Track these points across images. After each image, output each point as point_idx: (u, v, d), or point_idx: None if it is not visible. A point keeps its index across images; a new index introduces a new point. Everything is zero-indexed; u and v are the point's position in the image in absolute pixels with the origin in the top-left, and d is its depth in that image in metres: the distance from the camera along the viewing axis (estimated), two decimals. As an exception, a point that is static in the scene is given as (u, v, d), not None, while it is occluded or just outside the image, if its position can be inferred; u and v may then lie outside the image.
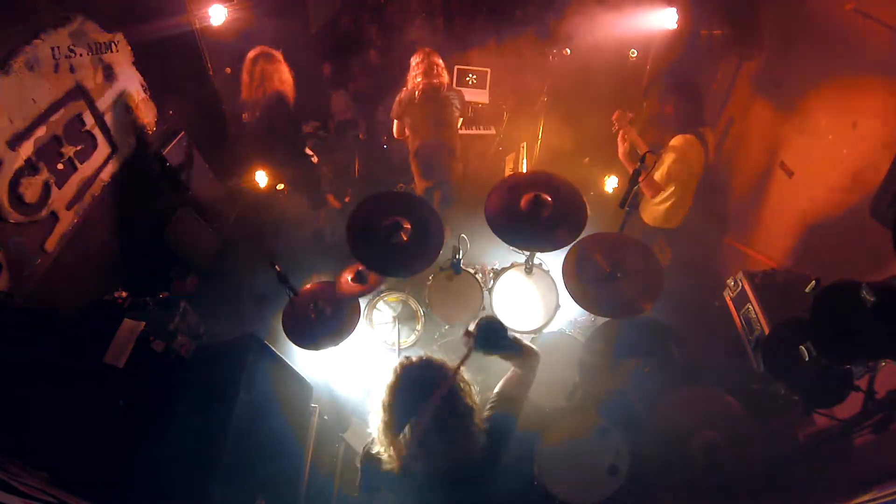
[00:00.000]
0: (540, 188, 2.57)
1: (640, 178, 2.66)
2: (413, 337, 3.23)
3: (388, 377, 1.61)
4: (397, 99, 3.83)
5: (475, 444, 1.59)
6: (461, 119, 3.98)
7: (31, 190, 2.60)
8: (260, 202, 4.56)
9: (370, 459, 1.67)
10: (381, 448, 1.62)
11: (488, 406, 1.76)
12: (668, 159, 3.16)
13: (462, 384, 1.61)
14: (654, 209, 3.46)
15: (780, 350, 2.25)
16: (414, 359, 1.64)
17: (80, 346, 2.57)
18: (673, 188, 3.27)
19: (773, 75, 3.67)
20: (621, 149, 3.32)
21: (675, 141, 3.18)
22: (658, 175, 3.20)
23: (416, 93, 3.70)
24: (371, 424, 1.64)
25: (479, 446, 1.60)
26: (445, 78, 3.77)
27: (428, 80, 3.67)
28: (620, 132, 3.31)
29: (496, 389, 1.83)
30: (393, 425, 1.56)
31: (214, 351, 2.82)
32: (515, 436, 1.75)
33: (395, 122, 3.93)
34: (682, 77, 3.32)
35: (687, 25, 3.93)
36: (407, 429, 1.53)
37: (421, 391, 1.54)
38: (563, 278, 2.53)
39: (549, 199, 2.53)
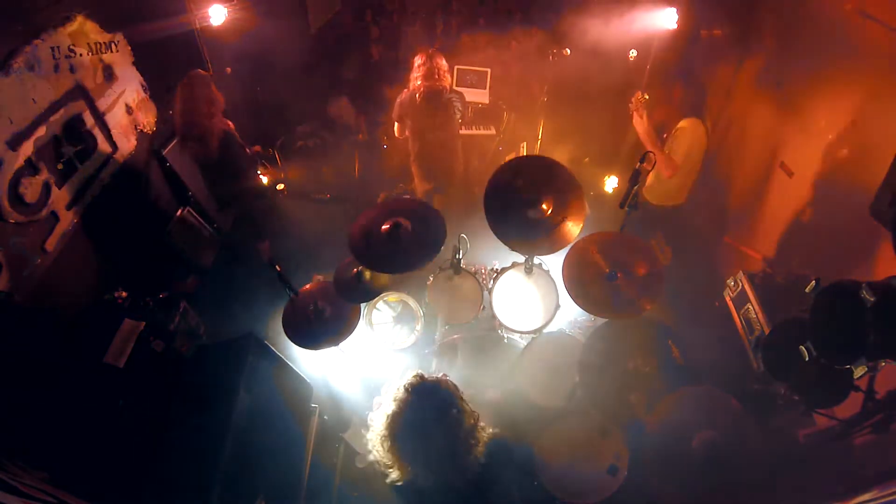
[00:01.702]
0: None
1: (642, 176, 2.67)
2: (413, 337, 3.23)
3: (392, 406, 1.60)
4: (398, 101, 3.79)
5: (476, 460, 1.60)
6: (461, 120, 3.96)
7: (31, 190, 2.59)
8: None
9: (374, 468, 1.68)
10: (383, 461, 1.61)
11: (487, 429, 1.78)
12: (685, 139, 3.34)
13: (463, 405, 1.62)
14: (664, 187, 3.59)
15: (780, 350, 2.25)
16: (417, 385, 1.61)
17: (80, 346, 2.57)
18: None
19: (773, 75, 3.67)
20: (640, 128, 3.39)
21: (685, 123, 3.38)
22: (678, 155, 3.37)
23: (417, 95, 3.64)
24: (371, 438, 1.63)
25: (480, 461, 1.61)
26: (447, 80, 3.69)
27: (429, 83, 3.59)
28: (635, 113, 3.39)
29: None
30: (398, 451, 1.56)
31: (214, 351, 2.81)
32: (513, 448, 1.77)
33: (396, 123, 3.90)
34: (686, 67, 3.47)
35: (687, 25, 3.94)
36: (411, 452, 1.54)
37: (426, 422, 1.54)
38: (563, 279, 2.53)
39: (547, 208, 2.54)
